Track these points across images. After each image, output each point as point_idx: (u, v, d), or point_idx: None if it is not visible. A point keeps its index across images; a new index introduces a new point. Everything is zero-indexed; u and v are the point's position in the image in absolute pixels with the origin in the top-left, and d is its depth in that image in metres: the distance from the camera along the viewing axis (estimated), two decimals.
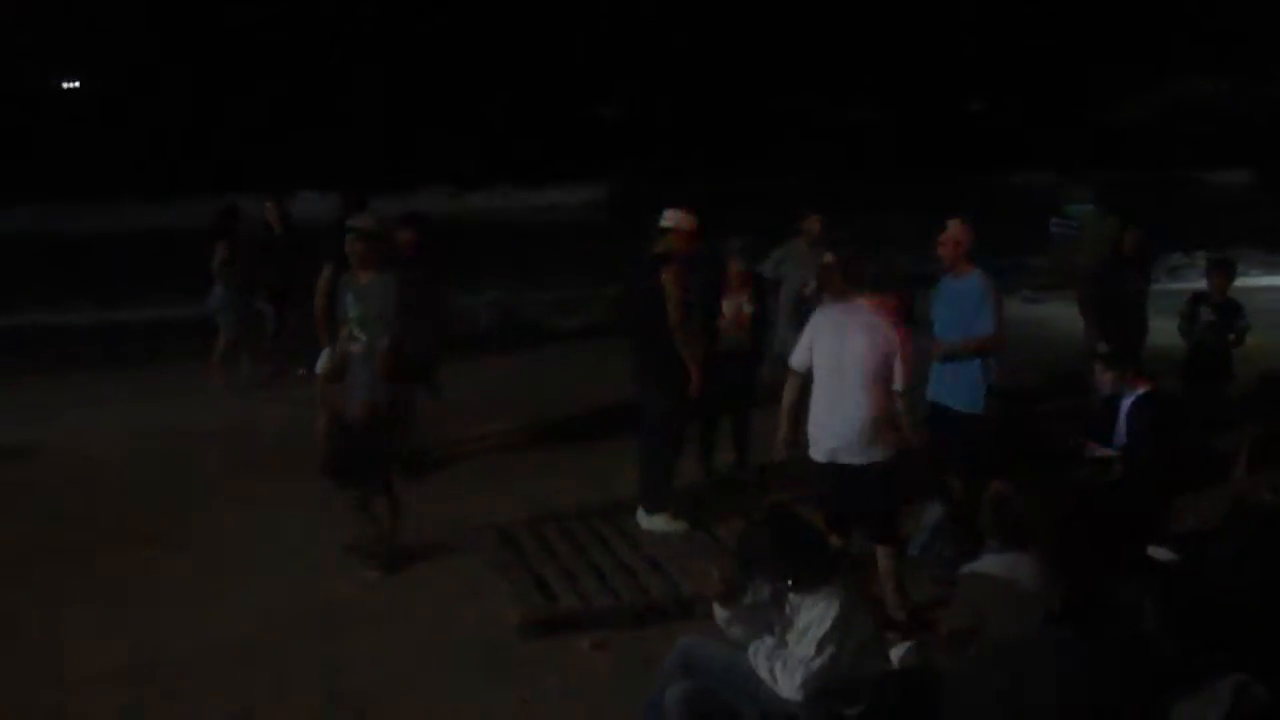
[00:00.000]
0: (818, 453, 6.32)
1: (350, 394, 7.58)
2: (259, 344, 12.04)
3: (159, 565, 7.44)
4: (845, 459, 6.23)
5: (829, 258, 8.56)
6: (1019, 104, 54.22)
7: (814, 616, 4.63)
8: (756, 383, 8.74)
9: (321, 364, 8.61)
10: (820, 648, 4.58)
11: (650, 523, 7.66)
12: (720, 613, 4.96)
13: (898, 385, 6.17)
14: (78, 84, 62.34)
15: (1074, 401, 9.61)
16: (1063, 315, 13.43)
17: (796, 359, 6.50)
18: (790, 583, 4.71)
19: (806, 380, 6.47)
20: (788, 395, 6.61)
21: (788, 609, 4.76)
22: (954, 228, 7.22)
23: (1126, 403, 6.94)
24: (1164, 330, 10.22)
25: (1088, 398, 8.54)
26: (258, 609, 6.81)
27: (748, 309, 8.46)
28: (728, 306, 8.39)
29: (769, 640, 4.78)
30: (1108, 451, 6.82)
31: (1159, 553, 6.45)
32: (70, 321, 16.30)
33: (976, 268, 7.20)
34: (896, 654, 5.40)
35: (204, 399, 11.39)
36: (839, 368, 6.20)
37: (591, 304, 16.29)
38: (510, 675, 6.01)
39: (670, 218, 7.69)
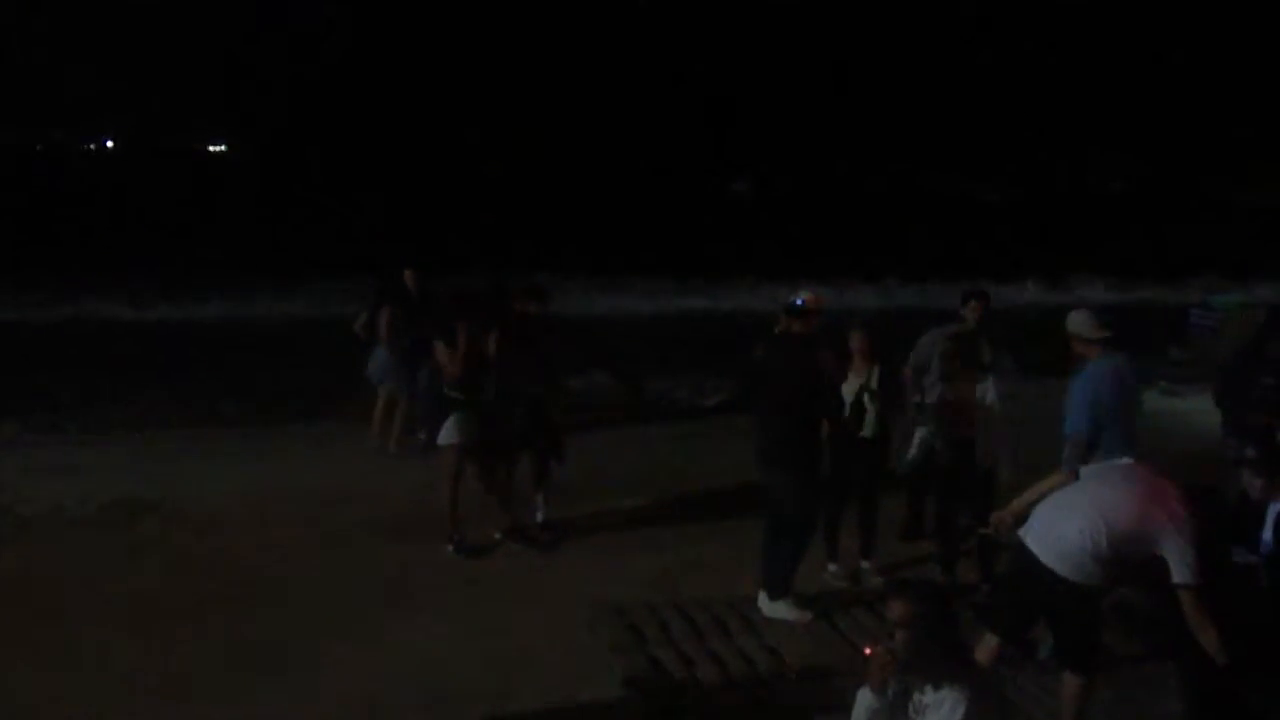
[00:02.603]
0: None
1: None
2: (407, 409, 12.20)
3: (279, 624, 7.51)
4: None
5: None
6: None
7: (941, 718, 4.44)
8: (881, 470, 8.59)
9: (451, 434, 8.73)
10: None
11: (772, 609, 7.54)
12: (868, 700, 4.62)
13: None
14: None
15: (1212, 501, 9.25)
16: (1200, 409, 13.00)
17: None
18: (927, 670, 4.48)
19: None
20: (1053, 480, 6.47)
21: (912, 708, 4.58)
22: None
23: (1275, 508, 6.62)
24: None
25: (1225, 498, 8.21)
26: (375, 674, 6.83)
27: (873, 389, 8.30)
28: (848, 387, 8.27)
29: None
30: (1254, 558, 6.52)
31: None
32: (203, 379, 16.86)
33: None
34: None
35: (334, 460, 11.59)
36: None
37: (719, 380, 16.21)
38: None
39: (809, 299, 7.66)
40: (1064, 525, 5.78)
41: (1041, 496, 6.29)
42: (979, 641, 5.99)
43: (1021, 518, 6.28)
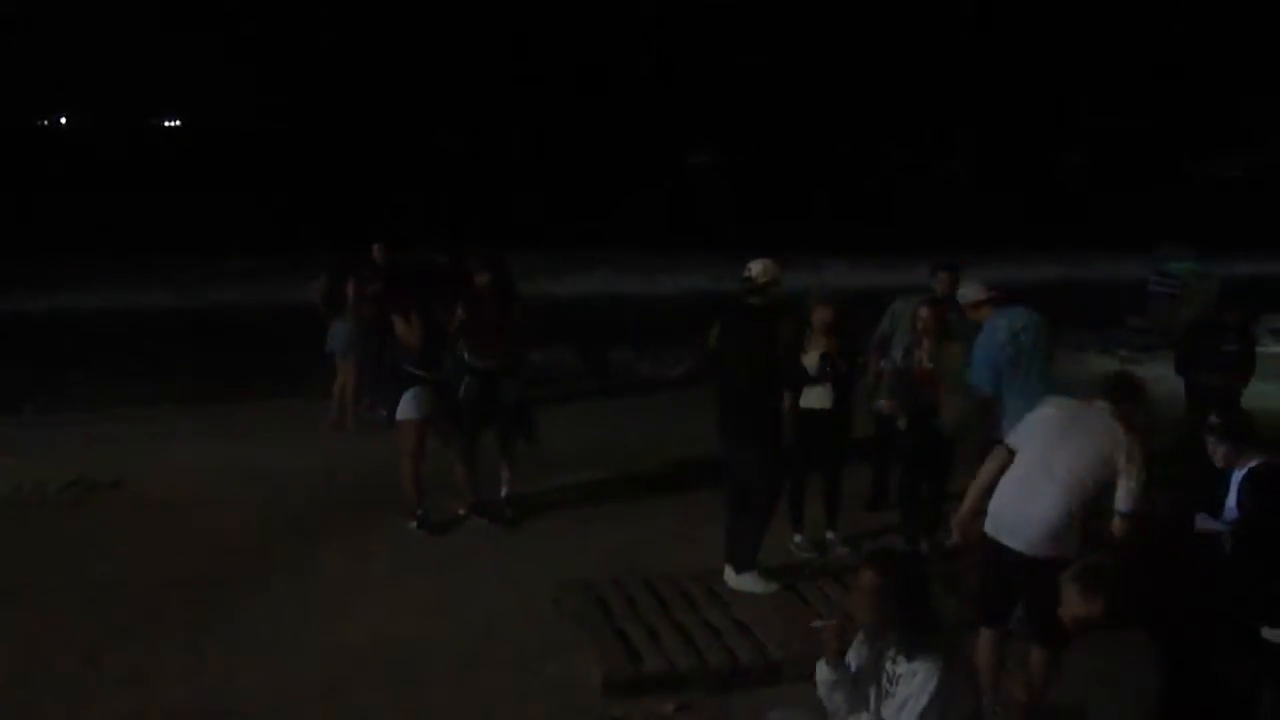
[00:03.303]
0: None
1: None
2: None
3: (240, 604, 7.43)
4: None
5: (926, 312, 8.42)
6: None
7: (914, 688, 4.36)
8: (847, 440, 8.57)
9: (409, 409, 8.65)
10: (901, 711, 4.34)
11: (738, 582, 7.51)
12: (825, 673, 4.62)
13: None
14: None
15: (1175, 468, 9.29)
16: (1160, 376, 13.07)
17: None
18: (899, 639, 4.44)
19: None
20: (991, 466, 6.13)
21: (885, 678, 4.53)
22: None
23: (1238, 475, 6.63)
24: (1269, 395, 9.89)
25: (1189, 465, 8.23)
26: (338, 652, 6.77)
27: (836, 360, 8.24)
28: (809, 359, 8.22)
29: (865, 717, 4.58)
30: (1218, 525, 6.53)
31: (1275, 635, 6.15)
32: (164, 354, 16.68)
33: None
34: None
35: (295, 438, 11.48)
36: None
37: (681, 352, 16.16)
38: None
39: (763, 271, 7.55)
40: (1034, 507, 5.72)
41: (989, 484, 6.06)
42: (974, 638, 5.97)
43: (977, 512, 6.12)
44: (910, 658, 4.39)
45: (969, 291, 8.43)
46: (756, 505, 7.59)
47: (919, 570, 4.71)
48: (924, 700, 4.32)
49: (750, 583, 7.49)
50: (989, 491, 5.98)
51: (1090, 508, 5.81)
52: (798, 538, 8.45)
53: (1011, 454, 6.02)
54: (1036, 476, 5.82)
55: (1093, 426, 5.87)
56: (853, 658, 4.65)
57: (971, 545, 6.07)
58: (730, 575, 7.55)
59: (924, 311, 8.45)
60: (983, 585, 6.06)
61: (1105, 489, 5.80)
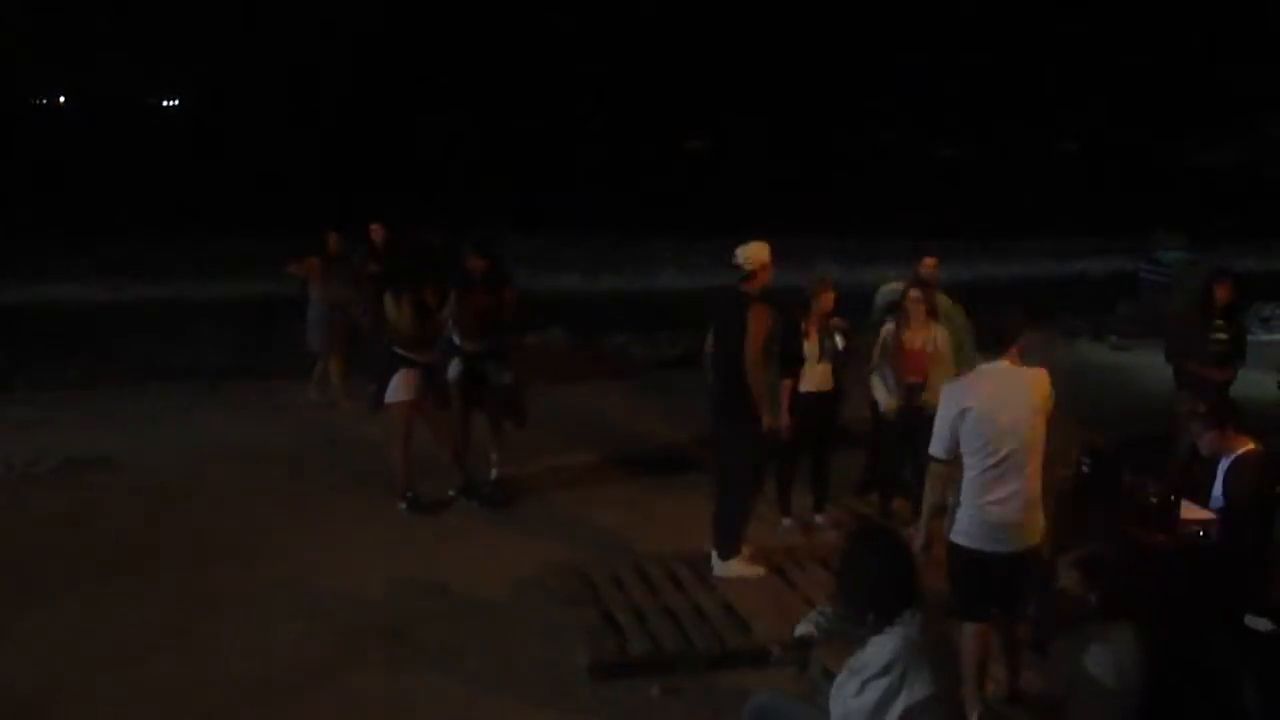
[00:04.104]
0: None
1: None
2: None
3: (227, 582, 7.45)
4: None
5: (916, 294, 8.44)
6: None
7: (868, 657, 4.19)
8: (837, 424, 8.59)
9: (398, 391, 8.64)
10: (865, 688, 4.13)
11: (724, 569, 7.51)
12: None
13: None
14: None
15: (1165, 456, 9.31)
16: (1150, 364, 13.10)
17: None
18: (871, 616, 4.22)
19: None
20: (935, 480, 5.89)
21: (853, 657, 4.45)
22: None
23: (1225, 462, 6.65)
24: (1259, 383, 9.90)
25: (1179, 452, 8.25)
26: (323, 632, 6.78)
27: (829, 345, 8.29)
28: (809, 346, 8.24)
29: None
30: (1205, 513, 6.55)
31: (1258, 623, 6.16)
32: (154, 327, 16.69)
33: None
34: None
35: (285, 417, 11.50)
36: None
37: (674, 336, 16.16)
38: (578, 718, 5.89)
39: (752, 256, 7.50)
40: (1000, 510, 5.56)
41: (941, 498, 5.84)
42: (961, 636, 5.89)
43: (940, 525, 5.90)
44: (877, 633, 4.23)
45: None
46: (737, 488, 7.59)
47: (896, 544, 4.59)
48: (871, 670, 4.16)
49: (737, 568, 7.49)
50: None
51: None
52: (786, 521, 8.47)
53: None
54: (991, 477, 5.69)
55: (1021, 387, 5.70)
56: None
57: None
58: (716, 562, 7.55)
59: (913, 294, 8.47)
60: (956, 590, 5.95)
61: None
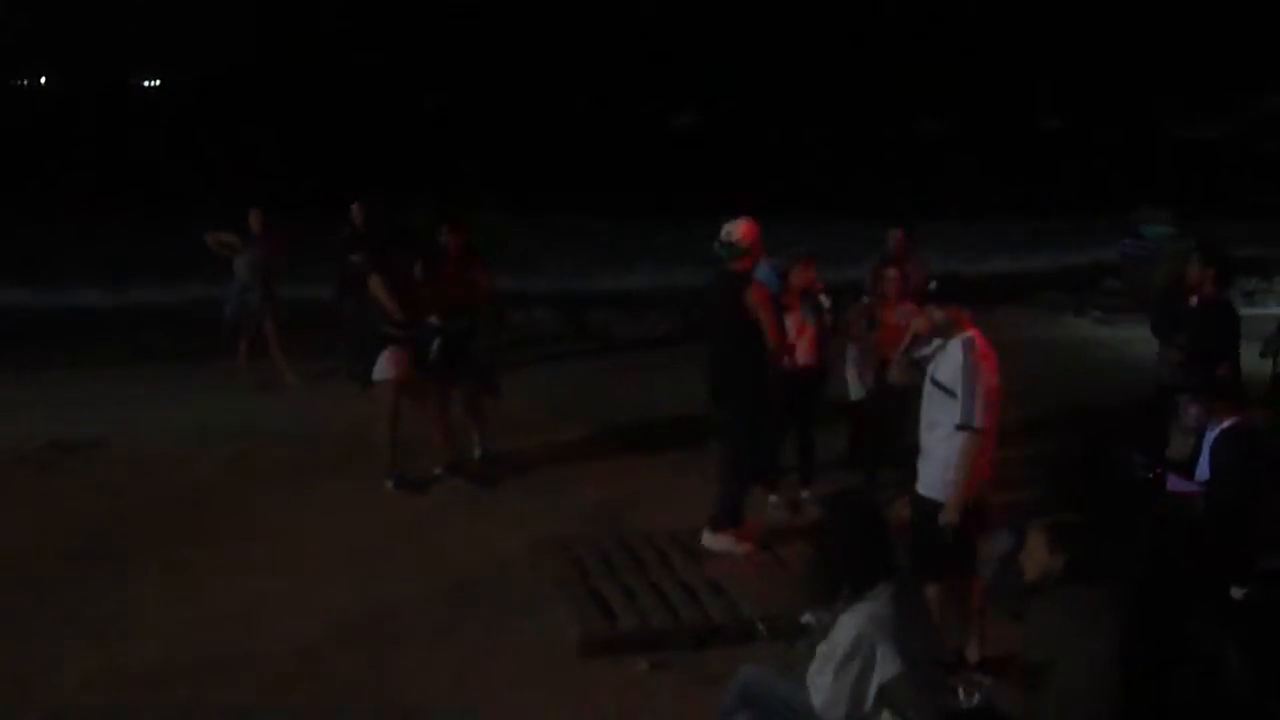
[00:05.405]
0: None
1: None
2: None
3: (216, 565, 7.44)
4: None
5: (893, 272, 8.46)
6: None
7: (836, 639, 4.24)
8: (821, 401, 8.60)
9: (385, 369, 8.61)
10: (842, 668, 4.18)
11: (714, 541, 7.52)
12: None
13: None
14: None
15: (1150, 429, 9.34)
16: (1134, 337, 13.13)
17: None
18: (846, 590, 4.30)
19: None
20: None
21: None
22: None
23: (1211, 435, 6.67)
24: (1242, 356, 9.90)
25: (1165, 426, 8.27)
26: (314, 611, 6.79)
27: (811, 323, 8.29)
28: (790, 321, 8.20)
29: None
30: (1191, 486, 6.57)
31: (1240, 593, 6.20)
32: (141, 310, 16.61)
33: None
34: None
35: (269, 396, 11.50)
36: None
37: (660, 313, 16.15)
38: (567, 695, 5.91)
39: (741, 235, 7.44)
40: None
41: None
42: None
43: None
44: (848, 606, 4.28)
45: None
46: (739, 466, 7.59)
47: (868, 517, 4.55)
48: (839, 655, 4.19)
49: (727, 542, 7.50)
50: None
51: None
52: (773, 497, 8.46)
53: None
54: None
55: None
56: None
57: None
58: (707, 535, 7.56)
59: (891, 271, 8.50)
60: (918, 546, 6.05)
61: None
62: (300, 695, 5.89)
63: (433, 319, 8.82)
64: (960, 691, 5.72)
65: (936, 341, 5.99)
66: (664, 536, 7.70)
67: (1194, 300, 8.62)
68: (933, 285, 6.21)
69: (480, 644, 6.42)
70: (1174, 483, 6.60)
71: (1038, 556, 4.74)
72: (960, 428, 5.74)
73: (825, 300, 8.36)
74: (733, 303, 7.36)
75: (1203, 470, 6.62)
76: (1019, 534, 6.67)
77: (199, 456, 9.57)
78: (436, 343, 8.81)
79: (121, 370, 12.91)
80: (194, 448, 9.79)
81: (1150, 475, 6.83)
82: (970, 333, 5.86)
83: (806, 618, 4.58)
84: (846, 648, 4.15)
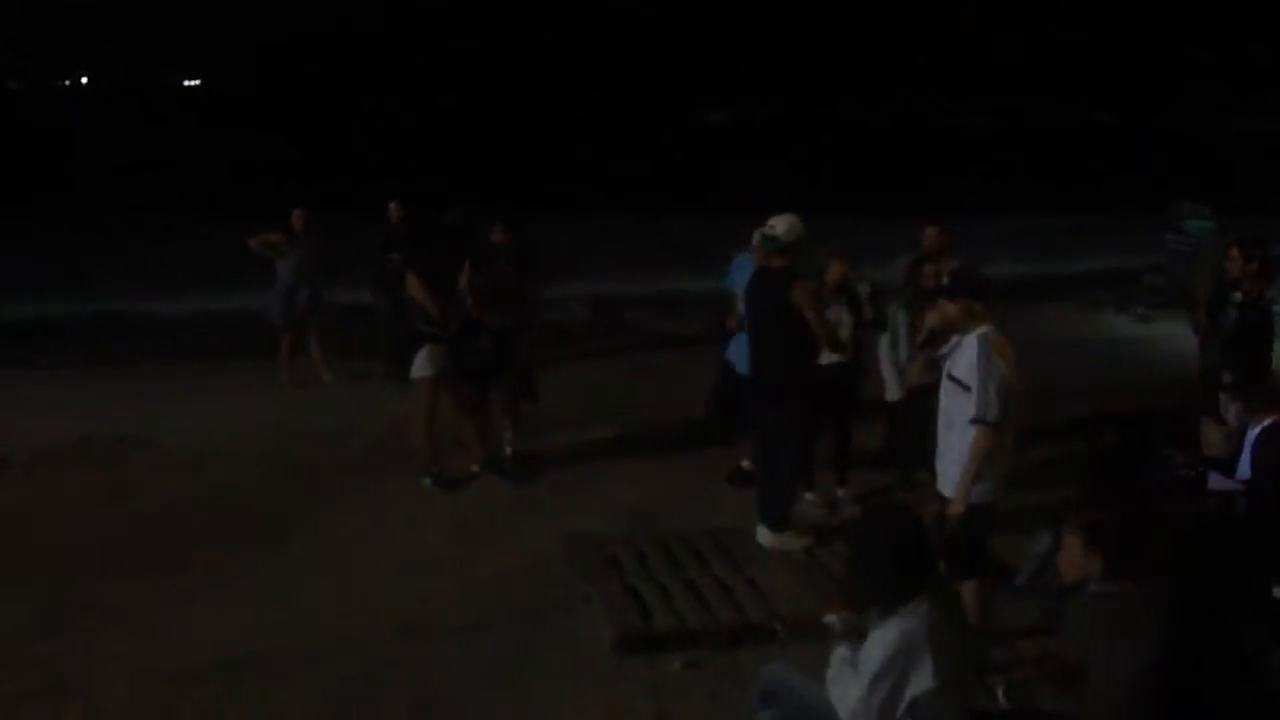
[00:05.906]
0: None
1: None
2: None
3: (255, 562, 7.48)
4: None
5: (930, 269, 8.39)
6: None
7: (868, 653, 4.16)
8: (857, 399, 8.56)
9: (424, 366, 8.63)
10: (873, 687, 4.08)
11: (771, 540, 7.47)
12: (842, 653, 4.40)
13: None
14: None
15: (1191, 427, 9.25)
16: (1176, 335, 13.00)
17: None
18: (875, 611, 4.23)
19: None
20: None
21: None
22: None
23: (1253, 433, 6.60)
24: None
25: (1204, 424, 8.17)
26: (351, 609, 6.82)
27: (847, 320, 8.21)
28: (832, 317, 8.15)
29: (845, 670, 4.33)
30: (1231, 484, 6.50)
31: None
32: (183, 311, 16.74)
33: None
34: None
35: (309, 395, 11.59)
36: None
37: (696, 310, 16.11)
38: (601, 693, 5.91)
39: (787, 229, 7.39)
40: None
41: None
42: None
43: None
44: (881, 620, 4.20)
45: None
46: (785, 463, 7.57)
47: (906, 527, 4.43)
48: (875, 665, 4.10)
49: (789, 540, 7.47)
50: None
51: None
52: (809, 495, 8.42)
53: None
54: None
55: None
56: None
57: None
58: (763, 533, 7.51)
59: (929, 269, 8.41)
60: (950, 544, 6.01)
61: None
62: (339, 689, 5.92)
63: (478, 316, 8.83)
64: (1000, 693, 5.70)
65: (955, 339, 5.94)
66: (699, 534, 7.69)
67: (1238, 296, 8.54)
68: (944, 280, 6.18)
69: (516, 640, 6.43)
70: (1215, 481, 6.53)
71: (1075, 556, 4.68)
72: (974, 421, 5.70)
73: (865, 289, 8.31)
74: (778, 301, 7.33)
75: (1244, 468, 6.55)
76: (1056, 534, 6.65)
77: (234, 453, 9.63)
78: (483, 340, 8.82)
79: (159, 368, 13.01)
80: (233, 445, 9.84)
81: (1191, 474, 6.77)
82: (986, 327, 5.80)
83: (829, 619, 4.54)
84: (879, 666, 4.09)
